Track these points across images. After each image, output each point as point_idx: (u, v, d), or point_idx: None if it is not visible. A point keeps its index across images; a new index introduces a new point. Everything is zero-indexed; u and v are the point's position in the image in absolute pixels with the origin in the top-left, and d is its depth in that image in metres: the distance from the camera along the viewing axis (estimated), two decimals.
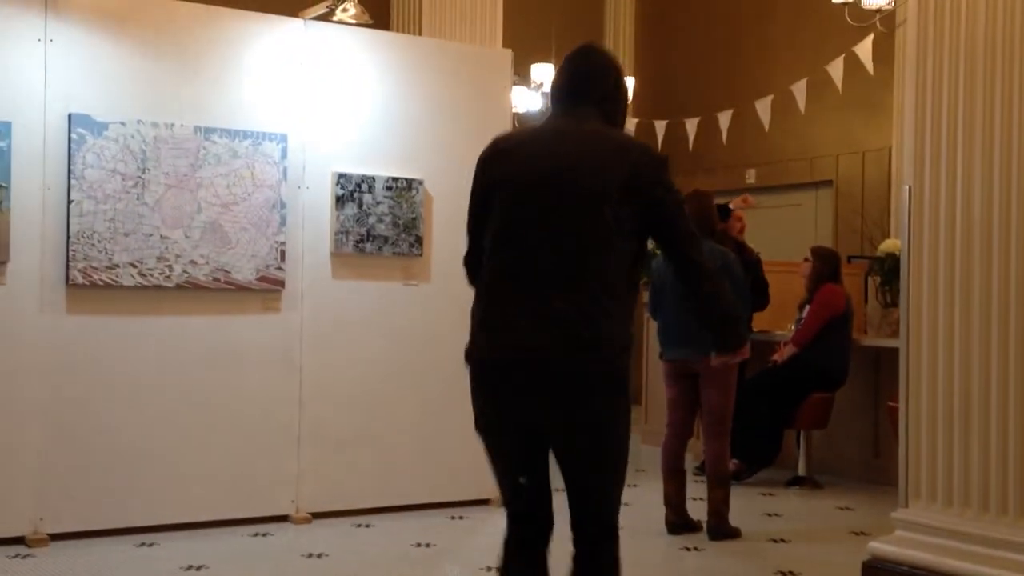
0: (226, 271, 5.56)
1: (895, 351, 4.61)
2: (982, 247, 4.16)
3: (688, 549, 5.34)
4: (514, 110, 7.69)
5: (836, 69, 8.02)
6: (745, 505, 6.24)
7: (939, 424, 4.29)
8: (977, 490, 4.15)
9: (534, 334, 2.91)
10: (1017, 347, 4.04)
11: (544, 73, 9.67)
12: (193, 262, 5.48)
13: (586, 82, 3.14)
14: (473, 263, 3.17)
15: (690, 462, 6.42)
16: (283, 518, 5.68)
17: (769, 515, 6.24)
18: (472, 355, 3.07)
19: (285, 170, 5.72)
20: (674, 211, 3.02)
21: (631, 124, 8.53)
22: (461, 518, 5.93)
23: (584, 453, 2.97)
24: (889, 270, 7.10)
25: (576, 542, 3.02)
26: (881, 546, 4.47)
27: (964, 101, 4.22)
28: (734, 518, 5.64)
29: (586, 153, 3.00)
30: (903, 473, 4.44)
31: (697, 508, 5.76)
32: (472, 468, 6.17)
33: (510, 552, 3.13)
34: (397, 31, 7.65)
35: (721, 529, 5.55)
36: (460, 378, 6.15)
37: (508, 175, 3.06)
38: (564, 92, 3.17)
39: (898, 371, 4.51)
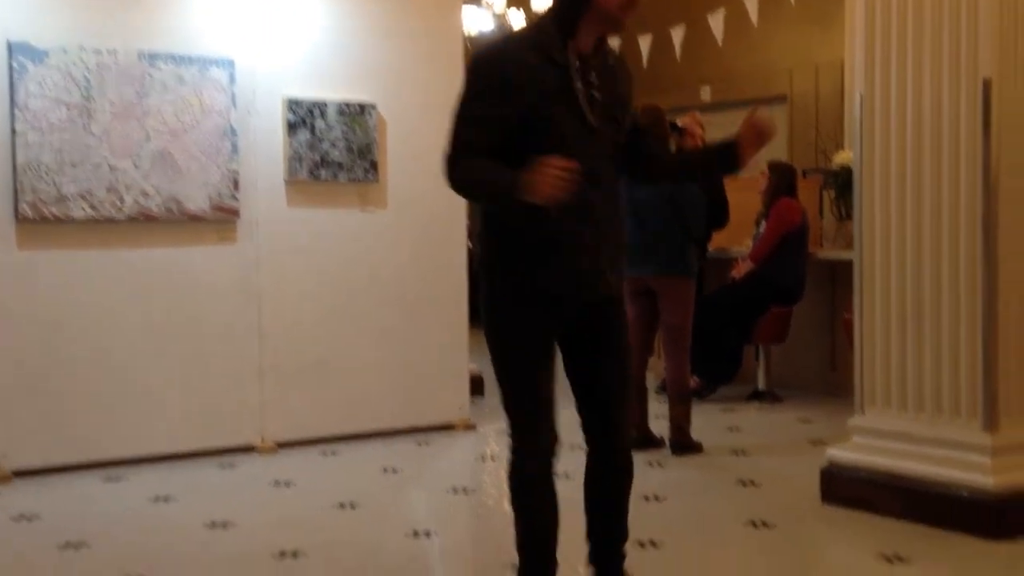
0: (178, 201, 5.55)
1: (851, 264, 4.71)
2: (932, 153, 4.25)
3: (651, 465, 5.47)
4: (465, 31, 7.62)
5: None
6: (706, 421, 6.38)
7: (892, 332, 4.42)
8: (930, 394, 4.30)
9: None
10: (967, 254, 4.15)
11: None
12: (144, 192, 5.46)
13: None
14: None
15: (652, 381, 6.55)
16: (249, 448, 5.75)
17: (730, 429, 6.41)
18: None
19: (234, 96, 5.69)
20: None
21: None
22: (427, 443, 6.03)
23: None
24: (843, 183, 7.20)
25: None
26: (839, 453, 4.62)
27: (913, 10, 4.28)
28: (696, 433, 5.79)
29: None
30: (858, 381, 4.57)
31: (660, 425, 5.90)
32: (436, 394, 6.31)
33: None
34: None
35: (683, 444, 5.70)
36: (420, 304, 6.28)
37: None
38: None
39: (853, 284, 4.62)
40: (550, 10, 3.07)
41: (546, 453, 3.10)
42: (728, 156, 3.15)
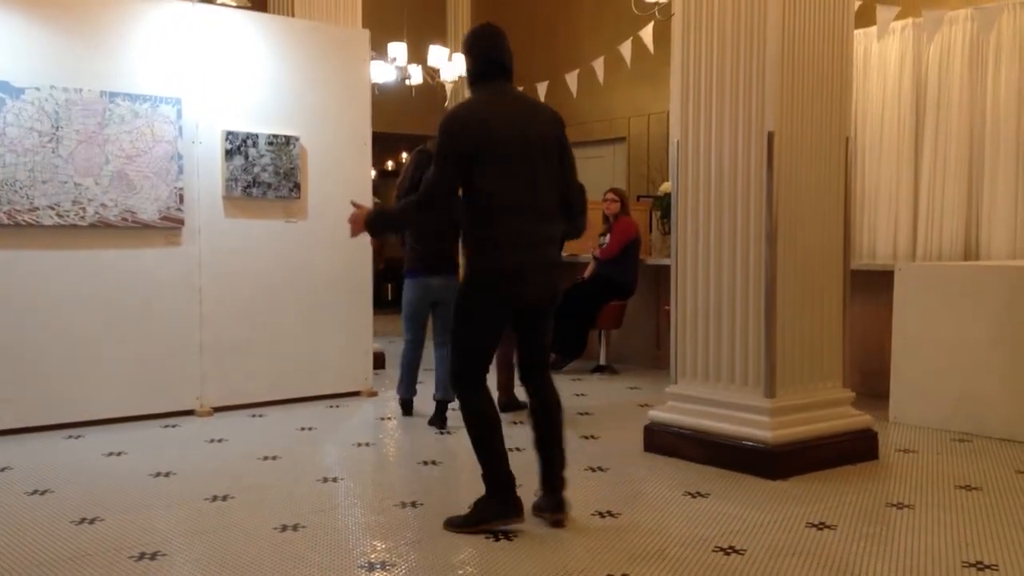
0: (133, 212, 5.36)
1: (670, 269, 4.81)
2: (730, 187, 4.37)
3: (516, 423, 5.49)
4: (372, 81, 7.55)
5: (626, 49, 8.17)
6: (559, 387, 6.23)
7: (699, 322, 4.54)
8: (726, 369, 4.43)
9: None
10: (754, 264, 4.29)
11: (398, 50, 9.48)
12: (104, 205, 5.26)
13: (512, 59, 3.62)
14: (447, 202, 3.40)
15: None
16: (189, 412, 5.59)
17: (578, 395, 6.48)
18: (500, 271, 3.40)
19: (181, 128, 5.52)
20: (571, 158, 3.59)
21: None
22: (337, 407, 5.96)
23: None
24: (667, 206, 7.37)
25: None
26: (658, 413, 4.73)
27: (716, 77, 4.40)
28: None
29: (538, 114, 3.56)
30: (673, 358, 4.68)
31: (523, 392, 5.88)
32: (345, 366, 6.24)
33: None
34: (273, 13, 7.38)
35: None
36: (333, 294, 6.18)
37: (499, 137, 3.35)
38: (506, 66, 3.64)
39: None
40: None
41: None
42: None
